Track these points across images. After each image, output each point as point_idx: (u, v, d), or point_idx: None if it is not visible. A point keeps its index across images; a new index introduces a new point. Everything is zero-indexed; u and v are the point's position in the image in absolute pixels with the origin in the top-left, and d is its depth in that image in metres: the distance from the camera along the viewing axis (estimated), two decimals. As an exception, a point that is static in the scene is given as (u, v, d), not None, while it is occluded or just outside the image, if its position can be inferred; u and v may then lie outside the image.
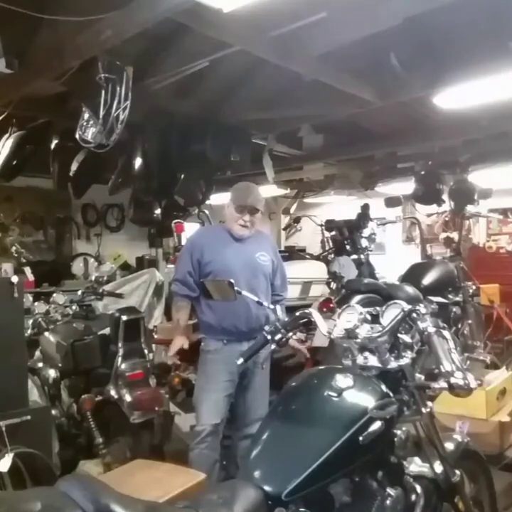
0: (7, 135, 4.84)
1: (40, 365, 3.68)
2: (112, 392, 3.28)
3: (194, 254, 3.08)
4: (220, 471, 3.08)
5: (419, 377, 1.77)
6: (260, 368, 2.97)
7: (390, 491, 1.67)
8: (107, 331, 3.68)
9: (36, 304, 4.10)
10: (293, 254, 6.37)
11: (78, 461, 3.21)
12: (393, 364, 1.78)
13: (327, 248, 6.43)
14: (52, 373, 3.55)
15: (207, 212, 5.34)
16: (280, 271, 3.29)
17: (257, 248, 3.13)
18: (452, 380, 1.54)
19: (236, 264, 3.00)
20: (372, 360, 1.80)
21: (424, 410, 1.78)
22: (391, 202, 6.14)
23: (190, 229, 5.04)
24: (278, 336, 2.04)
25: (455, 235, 6.25)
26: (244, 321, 3.01)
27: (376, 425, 1.57)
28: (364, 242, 5.49)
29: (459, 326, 4.74)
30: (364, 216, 5.60)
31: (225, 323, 3.02)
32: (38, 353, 3.83)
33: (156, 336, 4.31)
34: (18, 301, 2.73)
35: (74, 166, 4.97)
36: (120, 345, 3.34)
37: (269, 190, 6.73)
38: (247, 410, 3.10)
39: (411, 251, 7.86)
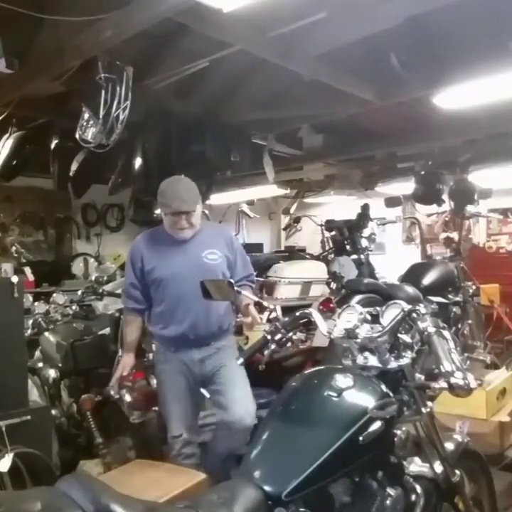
0: (7, 135, 4.84)
1: (40, 365, 3.69)
2: (112, 392, 3.27)
3: (135, 264, 2.84)
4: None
5: (419, 377, 1.76)
6: (227, 366, 2.79)
7: (390, 491, 1.67)
8: (107, 331, 3.68)
9: (36, 303, 4.11)
10: (293, 254, 6.36)
11: (78, 461, 3.21)
12: (393, 364, 1.78)
13: (327, 248, 6.42)
14: (52, 373, 3.55)
15: (207, 212, 5.34)
16: (241, 261, 2.95)
17: (203, 247, 2.83)
18: (452, 380, 1.54)
19: (181, 268, 2.75)
20: (372, 360, 1.80)
21: (424, 410, 1.78)
22: (391, 202, 6.14)
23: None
24: (278, 336, 2.04)
25: (455, 235, 6.24)
26: (190, 328, 2.77)
27: (376, 425, 1.57)
28: (364, 242, 5.50)
29: (459, 326, 4.74)
30: (364, 216, 5.61)
31: (170, 332, 2.81)
32: (38, 353, 3.83)
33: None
34: (18, 301, 2.73)
35: (74, 166, 4.97)
36: (120, 345, 3.34)
37: (269, 190, 6.73)
38: (231, 403, 2.78)
39: (411, 251, 7.85)
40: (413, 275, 4.70)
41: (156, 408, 3.22)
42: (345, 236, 5.56)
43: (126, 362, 2.93)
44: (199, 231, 2.85)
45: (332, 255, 5.87)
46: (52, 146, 4.90)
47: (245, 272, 2.97)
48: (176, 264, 2.78)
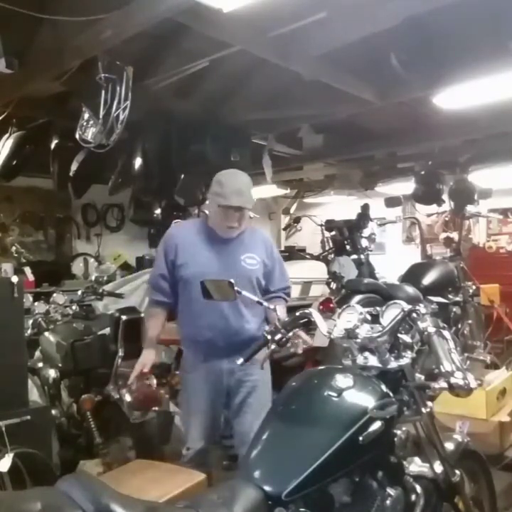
0: (7, 135, 4.84)
1: (40, 365, 3.68)
2: (112, 392, 3.28)
3: (168, 255, 2.64)
4: (220, 471, 3.08)
5: (419, 377, 1.77)
6: (257, 393, 2.64)
7: (390, 491, 1.67)
8: (107, 331, 3.68)
9: (36, 303, 4.10)
10: (293, 254, 6.37)
11: (78, 461, 3.21)
12: (393, 364, 1.78)
13: (327, 248, 6.43)
14: (52, 373, 3.55)
15: (207, 212, 5.34)
16: (279, 271, 2.79)
17: (242, 250, 2.65)
18: (452, 380, 1.54)
19: (214, 269, 2.51)
20: (372, 360, 1.80)
21: (424, 410, 1.78)
22: (391, 202, 6.15)
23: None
24: (278, 336, 2.03)
25: (455, 235, 6.25)
26: (220, 335, 2.57)
27: (376, 425, 1.57)
28: (364, 242, 5.51)
29: (459, 326, 4.75)
30: (364, 216, 5.62)
31: (200, 337, 2.60)
32: (38, 353, 3.83)
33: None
34: (18, 301, 2.73)
35: (74, 166, 4.99)
36: (120, 345, 3.34)
37: (269, 190, 6.73)
38: (246, 431, 2.54)
39: (411, 251, 7.86)
40: (413, 275, 4.71)
41: (156, 408, 3.23)
42: (345, 236, 5.57)
43: (146, 358, 2.67)
44: (241, 232, 2.67)
45: (332, 255, 5.88)
46: (52, 146, 4.91)
47: (282, 284, 2.80)
48: (209, 263, 2.58)
